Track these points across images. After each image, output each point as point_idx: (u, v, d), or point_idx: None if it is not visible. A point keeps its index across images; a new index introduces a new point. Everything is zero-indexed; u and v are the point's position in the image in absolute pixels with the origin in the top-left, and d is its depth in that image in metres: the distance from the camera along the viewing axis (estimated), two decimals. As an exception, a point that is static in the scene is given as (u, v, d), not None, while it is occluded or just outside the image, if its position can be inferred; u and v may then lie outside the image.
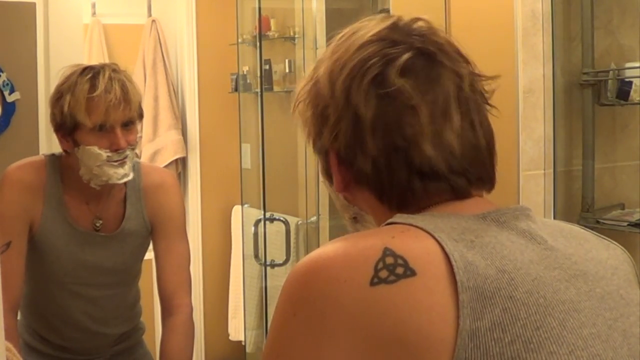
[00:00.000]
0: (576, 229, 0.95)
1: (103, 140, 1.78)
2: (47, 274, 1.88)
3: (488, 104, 0.93)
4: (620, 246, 0.96)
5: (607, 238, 0.96)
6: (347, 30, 0.94)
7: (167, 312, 1.94)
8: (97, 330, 1.95)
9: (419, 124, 0.86)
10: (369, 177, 0.89)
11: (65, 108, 1.77)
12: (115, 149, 1.78)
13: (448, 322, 0.74)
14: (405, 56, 0.87)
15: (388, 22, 0.92)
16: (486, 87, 0.94)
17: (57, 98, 1.80)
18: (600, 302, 0.83)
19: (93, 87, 1.77)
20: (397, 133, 0.86)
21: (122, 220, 1.91)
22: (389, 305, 0.75)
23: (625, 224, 2.25)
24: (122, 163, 1.79)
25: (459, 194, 0.89)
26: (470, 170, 0.89)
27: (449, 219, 0.84)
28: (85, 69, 1.81)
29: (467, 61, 0.92)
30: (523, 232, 0.86)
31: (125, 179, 1.81)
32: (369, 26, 0.92)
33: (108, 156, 1.77)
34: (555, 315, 0.78)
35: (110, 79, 1.77)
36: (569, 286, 0.82)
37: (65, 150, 1.86)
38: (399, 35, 0.90)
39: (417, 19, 0.92)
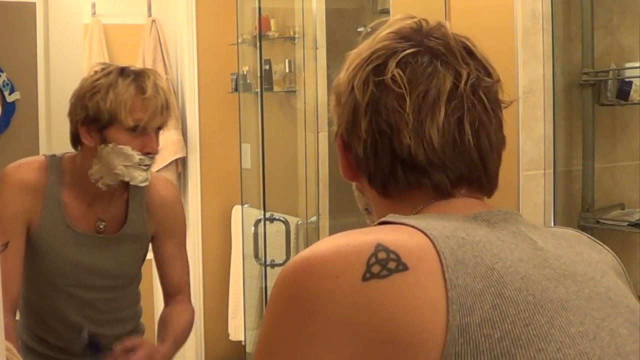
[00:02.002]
0: (569, 231, 0.96)
1: (136, 141, 1.79)
2: (43, 274, 1.88)
3: (492, 110, 0.94)
4: (612, 252, 0.97)
5: (600, 242, 0.98)
6: (377, 23, 1.00)
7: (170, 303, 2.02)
8: (95, 332, 1.94)
9: (403, 113, 0.90)
10: (361, 160, 0.94)
11: (107, 104, 1.77)
12: (147, 152, 1.80)
13: (439, 317, 0.76)
14: (409, 50, 0.92)
15: (411, 23, 0.96)
16: (505, 98, 0.97)
17: (93, 93, 1.79)
18: (588, 302, 0.84)
19: (141, 89, 1.78)
20: (384, 119, 0.91)
21: (123, 223, 1.91)
22: (381, 300, 0.76)
23: (625, 224, 2.25)
24: (147, 168, 1.82)
25: (439, 190, 0.92)
26: (451, 167, 0.91)
27: (440, 219, 0.86)
28: (123, 70, 1.82)
29: (483, 67, 0.95)
30: (513, 233, 0.88)
31: (145, 183, 1.83)
32: (394, 24, 0.97)
33: (140, 159, 1.79)
34: (544, 313, 0.79)
35: (155, 84, 1.80)
36: (558, 285, 0.83)
37: (76, 147, 1.85)
38: (415, 35, 0.94)
39: (442, 25, 0.97)
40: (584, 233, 0.98)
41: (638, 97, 2.26)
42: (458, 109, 0.91)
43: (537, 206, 2.16)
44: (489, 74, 0.95)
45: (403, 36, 0.94)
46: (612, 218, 2.31)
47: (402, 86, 0.90)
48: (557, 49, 2.20)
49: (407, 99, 0.90)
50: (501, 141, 0.96)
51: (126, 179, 1.80)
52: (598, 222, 2.31)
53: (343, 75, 0.97)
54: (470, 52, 0.94)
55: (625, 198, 2.39)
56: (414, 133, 0.90)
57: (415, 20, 0.97)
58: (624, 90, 2.28)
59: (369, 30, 1.00)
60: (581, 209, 2.35)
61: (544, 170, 2.18)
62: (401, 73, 0.90)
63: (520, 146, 2.13)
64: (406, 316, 0.75)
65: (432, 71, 0.91)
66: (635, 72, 2.25)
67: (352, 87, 0.93)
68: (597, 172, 2.37)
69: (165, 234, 1.95)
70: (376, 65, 0.92)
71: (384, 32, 0.95)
